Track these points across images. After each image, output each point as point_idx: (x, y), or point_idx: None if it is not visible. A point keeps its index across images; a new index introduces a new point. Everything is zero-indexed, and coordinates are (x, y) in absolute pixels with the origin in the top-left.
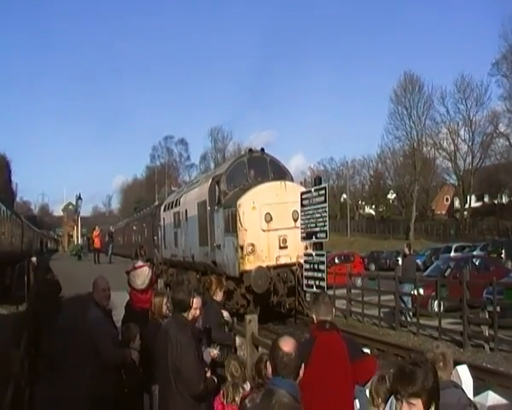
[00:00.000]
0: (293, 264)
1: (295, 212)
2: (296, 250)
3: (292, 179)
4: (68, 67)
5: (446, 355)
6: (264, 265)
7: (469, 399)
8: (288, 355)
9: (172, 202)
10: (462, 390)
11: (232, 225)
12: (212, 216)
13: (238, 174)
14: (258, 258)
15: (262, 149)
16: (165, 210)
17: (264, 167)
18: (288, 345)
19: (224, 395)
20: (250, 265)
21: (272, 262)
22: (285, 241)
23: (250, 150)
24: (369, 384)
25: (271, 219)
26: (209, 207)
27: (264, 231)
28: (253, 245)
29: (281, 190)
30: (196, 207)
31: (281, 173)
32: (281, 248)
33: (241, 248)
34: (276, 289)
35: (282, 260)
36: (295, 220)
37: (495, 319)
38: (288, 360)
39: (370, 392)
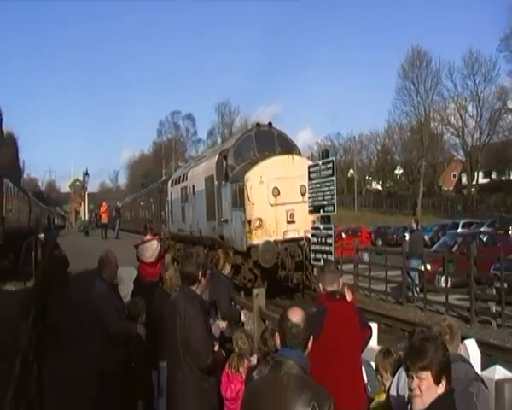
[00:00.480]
0: (301, 238)
1: (303, 186)
2: (304, 225)
3: (300, 154)
4: (74, 42)
5: (453, 328)
6: (271, 239)
7: (476, 373)
8: (296, 326)
9: (180, 177)
10: (470, 364)
11: (240, 200)
12: (220, 190)
13: (245, 148)
14: (265, 232)
15: (269, 123)
16: (172, 185)
17: (272, 141)
18: (296, 316)
19: (229, 365)
20: (257, 239)
21: (280, 237)
22: (292, 215)
23: (257, 124)
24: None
25: (279, 193)
26: (216, 182)
27: (271, 205)
28: (260, 219)
29: (288, 164)
30: (204, 182)
31: (288, 147)
32: (288, 222)
33: (249, 222)
34: (284, 263)
35: (290, 235)
36: (303, 195)
37: (502, 295)
38: (297, 331)
39: (377, 368)
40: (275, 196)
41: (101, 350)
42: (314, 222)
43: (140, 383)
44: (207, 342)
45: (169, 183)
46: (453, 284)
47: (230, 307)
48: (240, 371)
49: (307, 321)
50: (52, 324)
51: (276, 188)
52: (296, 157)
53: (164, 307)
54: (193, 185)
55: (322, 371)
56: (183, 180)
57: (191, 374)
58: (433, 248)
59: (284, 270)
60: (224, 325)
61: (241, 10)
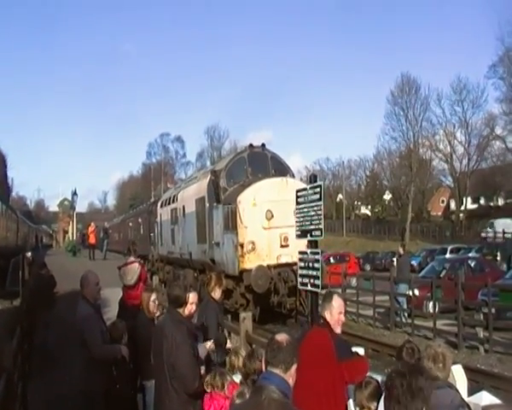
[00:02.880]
0: (295, 263)
1: None
2: (297, 249)
3: (293, 176)
4: (65, 64)
5: (446, 356)
6: (264, 264)
7: (463, 400)
8: (278, 343)
9: (169, 198)
10: (456, 390)
11: (232, 222)
12: (211, 213)
13: (238, 170)
14: (258, 256)
15: (263, 145)
16: (162, 206)
17: (265, 163)
18: (280, 336)
19: (211, 385)
20: (250, 263)
21: (273, 261)
22: (286, 239)
23: (251, 145)
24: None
25: (272, 216)
26: (208, 204)
27: (264, 228)
28: (253, 243)
29: (282, 186)
30: (194, 204)
31: (282, 170)
32: (282, 246)
33: (241, 246)
34: (277, 288)
35: (283, 259)
36: None
37: (490, 320)
38: (277, 348)
39: (362, 406)
40: (268, 220)
41: (85, 371)
42: (317, 246)
43: (124, 403)
44: (194, 366)
45: (158, 204)
46: (441, 310)
47: (218, 332)
48: (224, 389)
49: (291, 344)
50: (38, 343)
51: (269, 211)
52: (290, 179)
53: (147, 330)
54: (183, 207)
55: (300, 398)
56: (173, 202)
57: (178, 399)
58: (421, 274)
59: (277, 295)
60: (209, 344)
61: (231, 37)
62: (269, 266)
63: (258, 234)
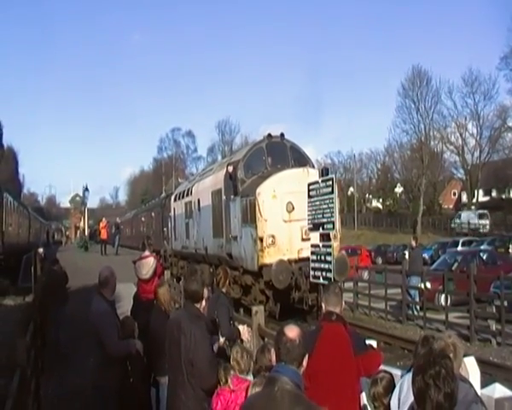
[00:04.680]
0: None
1: None
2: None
3: (313, 167)
4: (75, 58)
5: (457, 347)
6: (285, 258)
7: (476, 394)
8: (291, 341)
9: (183, 192)
10: (470, 385)
11: (250, 215)
12: (228, 206)
13: (256, 161)
14: (278, 251)
15: (282, 135)
16: (175, 200)
17: (285, 154)
18: (292, 332)
19: None
20: (270, 258)
21: (294, 255)
22: (308, 232)
23: (269, 135)
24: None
25: (293, 208)
26: (225, 197)
27: (285, 221)
28: (273, 237)
29: (303, 177)
30: (210, 197)
31: (302, 161)
32: (303, 240)
33: (261, 239)
34: (298, 284)
35: (305, 254)
36: None
37: (502, 313)
38: (291, 346)
39: (375, 398)
40: (289, 212)
41: (99, 366)
42: (330, 239)
43: (138, 399)
44: (214, 363)
45: (172, 198)
46: (453, 303)
47: (230, 326)
48: (228, 383)
49: (303, 338)
50: (51, 339)
51: (290, 203)
52: (311, 170)
53: (162, 325)
54: (198, 200)
55: (314, 390)
56: (187, 195)
57: (194, 395)
58: (433, 267)
59: (299, 291)
60: (222, 340)
61: (240, 28)
62: (289, 261)
63: (278, 227)
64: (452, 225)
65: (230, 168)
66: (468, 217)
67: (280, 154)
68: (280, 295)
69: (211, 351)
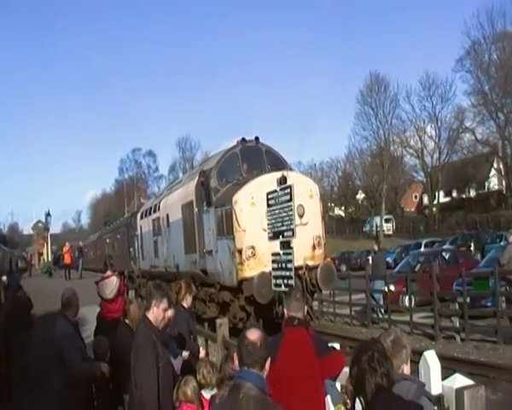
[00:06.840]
0: (300, 267)
1: (300, 206)
2: (303, 251)
3: (291, 169)
4: (34, 77)
5: (396, 346)
6: (266, 270)
7: (420, 390)
8: (252, 344)
9: (151, 208)
10: (415, 382)
11: (227, 226)
12: (201, 218)
13: (231, 168)
14: (259, 262)
15: (256, 138)
16: (142, 217)
17: (260, 159)
18: (253, 334)
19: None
20: (250, 271)
21: None
22: (289, 241)
23: (243, 140)
24: (340, 377)
25: None
26: (197, 209)
27: (265, 230)
28: (253, 248)
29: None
30: (180, 210)
31: (279, 164)
32: None
33: (239, 252)
34: (282, 297)
35: None
36: (301, 216)
37: (465, 309)
38: (253, 349)
39: (343, 393)
40: None
41: (62, 392)
42: (314, 247)
43: None
44: (151, 376)
45: (138, 215)
46: (417, 303)
47: (190, 341)
48: (189, 397)
49: (264, 341)
50: (16, 367)
51: None
52: (291, 173)
53: (129, 343)
54: (167, 215)
55: (278, 395)
56: (154, 211)
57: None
58: (397, 269)
59: (282, 305)
60: (186, 354)
61: (195, 49)
62: (271, 273)
63: (258, 237)
64: (364, 229)
65: (202, 178)
66: (376, 222)
67: (255, 159)
68: (262, 310)
69: (151, 365)
